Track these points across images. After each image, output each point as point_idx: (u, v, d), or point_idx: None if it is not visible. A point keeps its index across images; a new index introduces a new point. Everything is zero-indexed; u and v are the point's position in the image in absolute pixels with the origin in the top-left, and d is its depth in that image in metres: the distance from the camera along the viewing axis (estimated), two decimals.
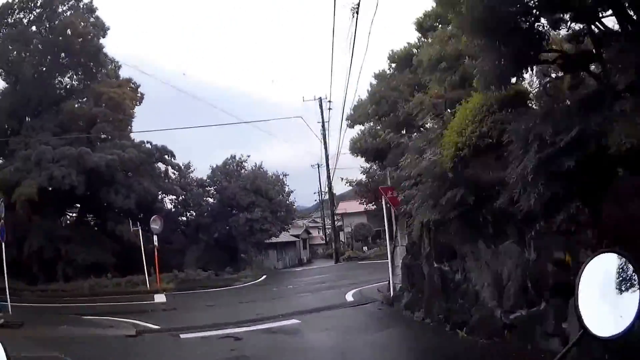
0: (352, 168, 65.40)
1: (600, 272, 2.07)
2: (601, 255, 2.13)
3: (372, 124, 16.13)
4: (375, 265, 32.43)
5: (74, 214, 35.63)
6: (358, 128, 19.41)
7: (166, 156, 36.94)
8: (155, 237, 28.16)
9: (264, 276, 35.37)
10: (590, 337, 1.98)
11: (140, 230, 29.13)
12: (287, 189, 45.91)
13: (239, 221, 39.06)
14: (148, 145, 36.29)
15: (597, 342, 2.19)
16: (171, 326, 15.17)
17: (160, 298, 24.23)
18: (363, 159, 17.25)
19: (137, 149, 34.15)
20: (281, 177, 45.22)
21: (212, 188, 43.47)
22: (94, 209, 35.82)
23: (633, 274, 2.00)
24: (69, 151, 30.43)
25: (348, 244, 56.19)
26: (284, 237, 50.74)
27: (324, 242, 71.68)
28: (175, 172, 40.10)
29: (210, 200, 43.45)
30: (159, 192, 36.45)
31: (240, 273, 34.96)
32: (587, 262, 2.10)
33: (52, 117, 33.91)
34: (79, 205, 35.25)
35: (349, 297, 19.46)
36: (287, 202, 45.89)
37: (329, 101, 46.33)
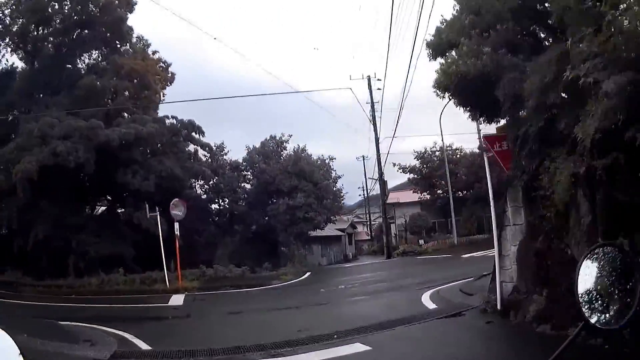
0: (404, 153, 59.99)
1: (599, 264, 2.09)
2: (600, 248, 2.13)
3: (468, 43, 10.38)
4: (437, 261, 29.92)
5: (87, 199, 31.17)
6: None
7: (194, 134, 32.29)
8: (176, 225, 24.04)
9: (308, 273, 30.30)
10: (591, 328, 2.00)
11: (158, 217, 24.67)
12: (333, 174, 40.38)
13: (279, 209, 34.35)
14: (172, 121, 32.04)
15: (598, 334, 2.27)
16: (167, 348, 10.53)
17: (176, 300, 20.02)
18: (452, 100, 11.33)
19: (159, 124, 29.93)
20: (327, 160, 39.65)
21: (248, 172, 38.87)
22: (109, 193, 32.09)
23: (632, 266, 1.99)
24: (77, 124, 26.50)
25: (400, 237, 50.69)
26: (329, 230, 46.58)
27: (369, 237, 69.25)
28: (205, 153, 35.56)
29: (247, 185, 38.94)
30: (186, 176, 31.61)
31: (280, 270, 29.99)
32: (586, 255, 2.12)
33: (68, 94, 30.52)
34: (91, 188, 31.05)
35: (426, 301, 14.32)
36: (334, 188, 40.37)
37: (378, 79, 41.20)
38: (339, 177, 41.44)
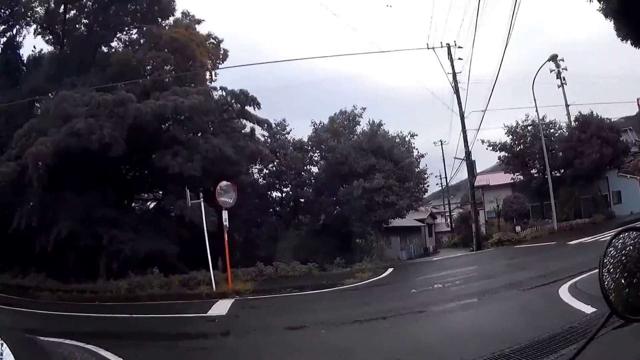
0: (490, 129, 54.05)
1: (625, 250, 1.97)
2: (625, 232, 2.01)
3: None
4: (543, 250, 25.15)
5: (120, 189, 27.01)
6: None
7: (248, 107, 27.47)
8: (224, 215, 19.94)
9: (389, 270, 24.82)
10: (620, 318, 1.92)
11: (202, 205, 20.56)
12: (415, 153, 34.81)
13: (353, 193, 29.29)
14: (221, 93, 27.85)
15: (627, 323, 2.03)
16: None
17: (220, 307, 15.76)
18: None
19: (204, 96, 25.68)
20: (407, 138, 34.04)
21: (315, 153, 34.06)
22: (147, 180, 28.69)
23: None
24: (101, 98, 22.89)
25: (491, 224, 44.67)
26: (407, 221, 41.95)
27: (449, 229, 65.90)
28: (264, 132, 31.32)
29: (313, 169, 34.06)
30: (240, 157, 26.80)
31: (356, 266, 24.99)
32: (610, 241, 2.00)
33: (100, 72, 27.54)
34: (124, 175, 27.65)
35: (572, 301, 9.95)
36: (417, 169, 34.64)
37: (459, 47, 35.12)
38: (422, 155, 35.99)
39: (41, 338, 10.74)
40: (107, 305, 18.15)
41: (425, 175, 36.01)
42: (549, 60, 39.47)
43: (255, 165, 31.85)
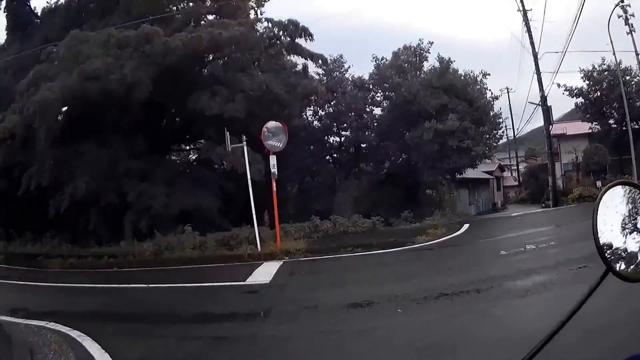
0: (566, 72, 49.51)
1: (618, 205, 1.83)
2: (618, 186, 1.87)
3: None
4: None
5: (150, 138, 24.03)
6: None
7: (299, 39, 24.28)
8: (272, 160, 17.11)
9: (465, 226, 21.25)
10: (615, 276, 1.73)
11: (245, 148, 17.73)
12: (489, 94, 30.22)
13: (422, 136, 25.43)
14: (267, 24, 24.53)
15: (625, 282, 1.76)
16: None
17: (263, 273, 13.03)
18: None
19: (246, 28, 22.22)
20: (479, 77, 29.73)
21: (377, 92, 30.14)
22: (182, 127, 25.59)
23: None
24: (121, 34, 20.08)
25: (569, 178, 40.30)
26: (476, 172, 37.44)
27: (516, 183, 61.71)
28: (318, 69, 27.92)
29: (375, 111, 30.24)
30: (291, 98, 23.86)
31: (426, 221, 22.00)
32: (603, 194, 1.84)
33: (124, 13, 24.04)
34: (153, 122, 24.34)
35: None
36: (491, 112, 30.30)
37: None
38: (496, 97, 31.29)
39: (18, 321, 8.75)
40: (125, 273, 15.87)
41: (500, 120, 31.74)
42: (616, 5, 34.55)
43: (310, 108, 28.82)
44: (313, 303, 9.06)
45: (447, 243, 16.60)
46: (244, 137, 17.73)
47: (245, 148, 17.46)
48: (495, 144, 34.59)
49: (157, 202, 19.58)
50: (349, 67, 30.17)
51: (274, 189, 16.82)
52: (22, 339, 7.29)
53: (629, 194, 1.84)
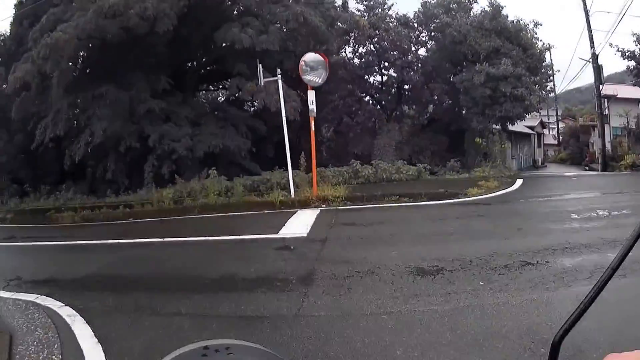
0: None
1: None
2: None
3: None
4: None
5: (174, 77, 21.79)
6: None
7: None
8: (311, 96, 14.68)
9: (519, 181, 18.82)
10: None
11: (280, 82, 15.47)
12: (540, 44, 27.05)
13: (473, 79, 23.00)
14: None
15: None
16: None
17: (299, 224, 11.15)
18: None
19: None
20: (530, 26, 26.72)
21: (423, 32, 27.55)
22: (208, 63, 23.85)
23: None
24: None
25: (619, 143, 37.74)
26: (518, 126, 34.71)
27: (555, 142, 59.64)
28: (359, 5, 25.92)
29: (420, 52, 27.70)
30: (330, 33, 21.72)
31: (475, 172, 19.95)
32: None
33: None
34: (177, 59, 21.99)
35: None
36: (543, 63, 27.45)
37: None
38: (549, 47, 28.07)
39: (7, 295, 7.22)
40: (141, 224, 14.12)
41: (550, 72, 28.92)
42: None
43: (349, 45, 26.48)
44: (365, 267, 6.98)
45: (504, 198, 14.27)
46: (279, 70, 15.55)
47: (280, 82, 15.28)
48: (547, 96, 32.15)
49: (180, 145, 17.96)
50: (392, 4, 27.83)
51: (312, 128, 14.62)
52: (5, 324, 5.94)
53: None
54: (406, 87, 27.19)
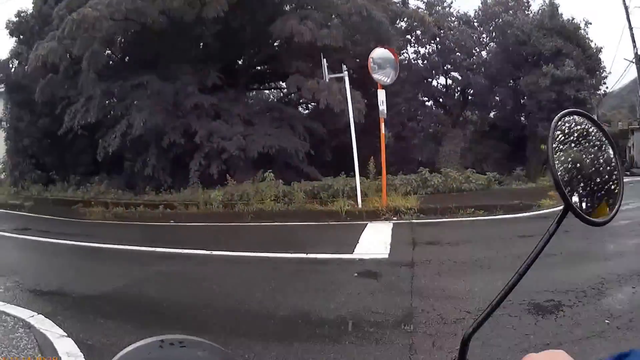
0: None
1: (572, 136, 1.39)
2: (570, 115, 1.40)
3: None
4: None
5: (225, 71, 20.55)
6: None
7: None
8: (381, 96, 13.56)
9: None
10: (575, 216, 1.30)
11: (347, 80, 14.29)
12: (593, 44, 25.49)
13: (537, 82, 21.80)
14: None
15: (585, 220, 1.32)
16: None
17: (375, 239, 9.83)
18: None
19: None
20: (582, 25, 25.06)
21: (482, 33, 26.20)
22: (261, 60, 22.18)
23: (604, 138, 1.42)
24: None
25: None
26: None
27: None
28: (418, 2, 23.88)
29: (483, 54, 26.28)
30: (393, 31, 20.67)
31: (541, 181, 18.17)
32: (556, 123, 1.37)
33: None
34: (229, 53, 20.65)
35: None
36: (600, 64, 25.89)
37: None
38: (600, 49, 26.04)
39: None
40: (183, 229, 12.77)
41: (604, 74, 27.29)
42: None
43: (410, 45, 25.26)
44: (474, 303, 5.67)
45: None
46: (344, 66, 14.32)
47: (346, 79, 14.08)
48: (601, 99, 30.43)
49: (232, 144, 16.69)
50: (452, 1, 26.49)
51: (383, 130, 13.51)
52: None
53: (582, 124, 1.39)
54: (470, 90, 25.79)
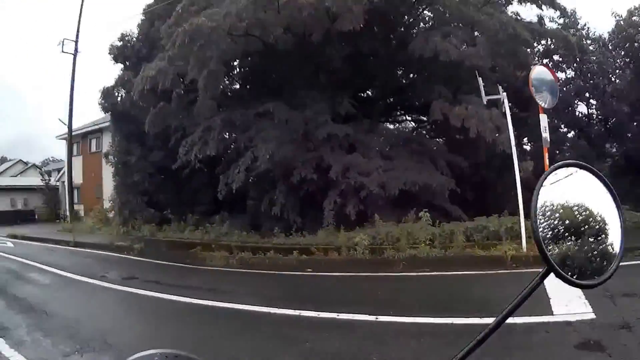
0: None
1: (563, 189, 1.39)
2: (563, 168, 1.44)
3: None
4: None
5: (364, 100, 19.45)
6: None
7: None
8: (543, 122, 11.95)
9: None
10: (557, 277, 1.31)
11: (506, 103, 12.55)
12: None
13: None
14: None
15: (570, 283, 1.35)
16: None
17: (565, 292, 6.51)
18: None
19: None
20: None
21: (619, 56, 23.58)
22: (397, 86, 20.10)
23: (606, 191, 1.40)
24: None
25: None
26: None
27: None
28: (552, 23, 21.63)
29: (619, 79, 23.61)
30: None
31: None
32: (546, 176, 1.40)
33: None
34: (364, 76, 18.94)
35: None
36: None
37: None
38: None
39: None
40: (324, 279, 10.92)
41: None
42: None
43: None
44: None
45: None
46: (500, 88, 12.45)
47: (505, 100, 12.25)
48: None
49: (371, 180, 14.70)
50: (585, 23, 24.17)
51: (547, 162, 11.50)
52: None
53: (577, 177, 1.43)
54: (611, 120, 23.26)
